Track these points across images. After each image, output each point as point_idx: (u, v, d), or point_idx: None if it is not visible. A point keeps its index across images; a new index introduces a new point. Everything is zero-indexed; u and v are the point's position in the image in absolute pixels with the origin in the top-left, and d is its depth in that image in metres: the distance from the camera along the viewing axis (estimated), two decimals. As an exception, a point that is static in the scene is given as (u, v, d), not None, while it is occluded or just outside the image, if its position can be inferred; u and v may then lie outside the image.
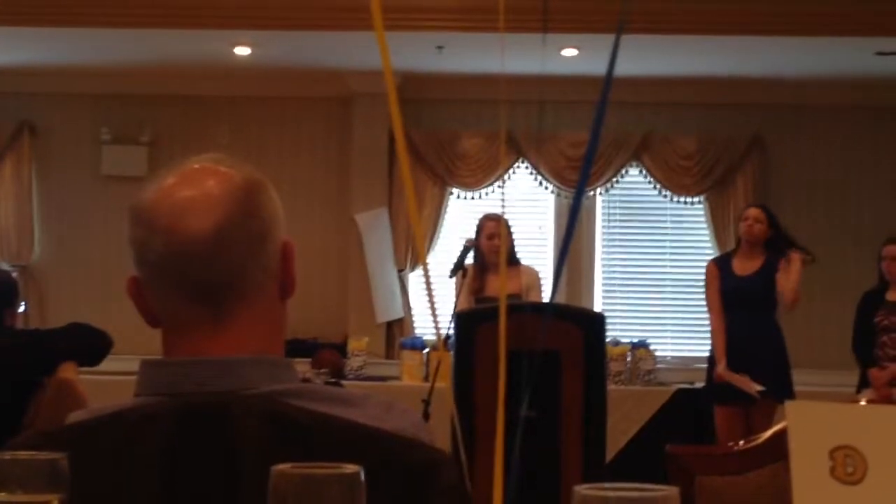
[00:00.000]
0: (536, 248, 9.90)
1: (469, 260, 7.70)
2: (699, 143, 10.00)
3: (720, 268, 7.72)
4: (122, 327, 5.80)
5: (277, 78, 9.94)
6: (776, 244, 7.62)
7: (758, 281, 7.53)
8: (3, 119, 10.21)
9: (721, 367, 7.47)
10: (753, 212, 7.70)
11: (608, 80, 1.18)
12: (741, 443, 2.72)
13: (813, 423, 1.12)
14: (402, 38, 8.18)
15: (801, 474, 1.14)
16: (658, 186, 10.06)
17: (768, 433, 2.63)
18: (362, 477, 1.07)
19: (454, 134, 10.05)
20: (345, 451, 1.28)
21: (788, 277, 7.46)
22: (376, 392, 1.80)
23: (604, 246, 10.26)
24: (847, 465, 1.12)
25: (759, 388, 7.30)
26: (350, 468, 1.07)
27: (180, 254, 1.57)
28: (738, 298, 7.54)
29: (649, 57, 8.81)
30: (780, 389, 7.32)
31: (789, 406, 1.15)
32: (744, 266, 7.62)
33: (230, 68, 9.72)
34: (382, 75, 1.22)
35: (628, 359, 8.76)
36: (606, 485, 0.97)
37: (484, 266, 7.79)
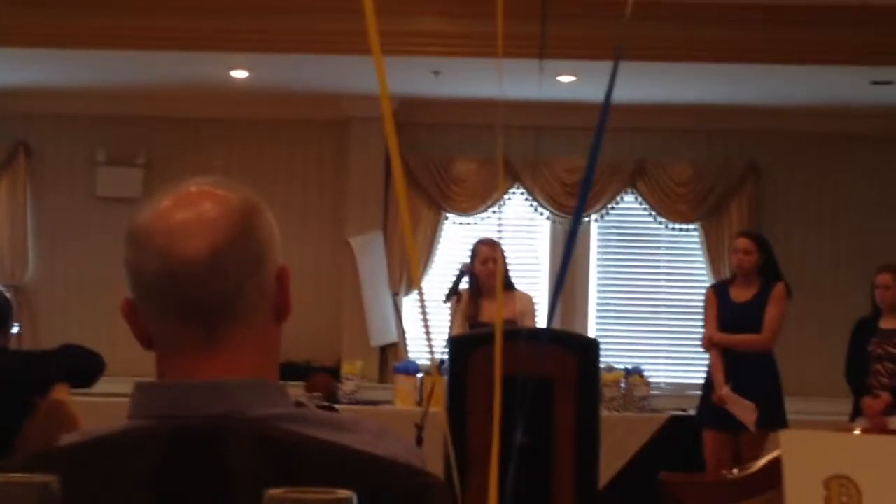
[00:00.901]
0: (531, 274, 9.90)
1: (464, 285, 7.70)
2: (694, 170, 10.02)
3: (718, 294, 7.79)
4: (116, 349, 5.80)
5: (274, 101, 9.95)
6: (769, 270, 7.66)
7: (752, 308, 7.58)
8: (-2, 140, 10.23)
9: (725, 390, 7.48)
10: (742, 243, 7.73)
11: (605, 107, 1.18)
12: (735, 471, 2.71)
13: (807, 452, 1.12)
14: (398, 63, 8.20)
15: (795, 503, 1.13)
16: (653, 213, 10.07)
17: (762, 462, 2.63)
18: (355, 502, 1.06)
19: (450, 158, 10.06)
20: (338, 477, 1.27)
21: (766, 320, 7.54)
22: (369, 417, 1.80)
23: (598, 272, 10.26)
24: (841, 494, 1.11)
25: (755, 417, 7.31)
26: (343, 493, 1.06)
27: (175, 275, 1.56)
28: (734, 325, 7.59)
29: (645, 84, 8.84)
30: (772, 418, 7.34)
31: (784, 435, 1.15)
32: (740, 293, 7.67)
33: (226, 91, 9.73)
34: (379, 100, 1.22)
35: (622, 385, 8.75)
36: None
37: (479, 291, 7.78)
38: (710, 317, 7.76)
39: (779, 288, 7.63)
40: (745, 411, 7.36)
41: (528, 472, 5.78)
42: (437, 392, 6.73)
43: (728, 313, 7.64)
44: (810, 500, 1.11)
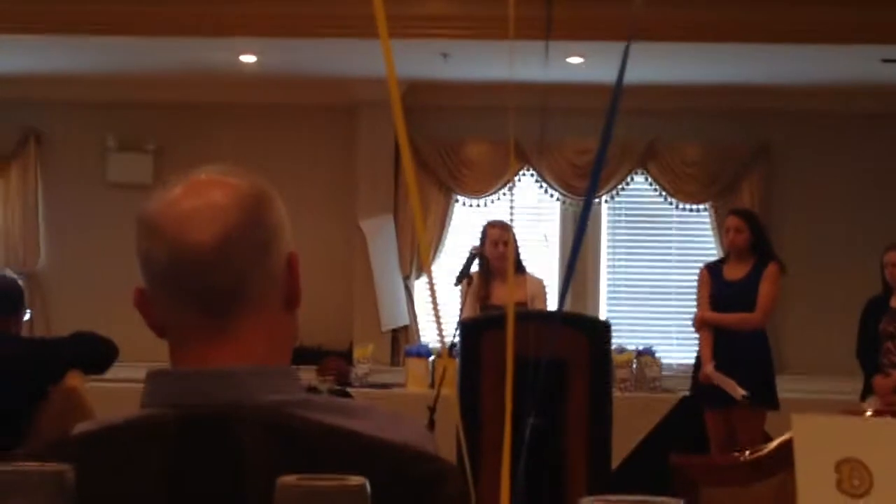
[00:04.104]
0: (542, 256, 9.90)
1: (474, 268, 7.70)
2: (705, 151, 10.00)
3: (711, 273, 7.81)
4: (128, 335, 5.80)
5: (283, 86, 9.94)
6: (763, 248, 7.69)
7: (744, 286, 7.61)
8: (9, 127, 10.23)
9: (709, 368, 7.52)
10: (733, 221, 7.75)
11: (618, 88, 1.18)
12: (747, 453, 2.72)
13: (819, 436, 1.12)
14: (407, 46, 8.19)
15: (806, 487, 1.13)
16: (664, 194, 10.06)
17: (773, 444, 2.63)
18: (368, 489, 1.07)
19: (459, 141, 10.05)
20: (350, 463, 1.28)
21: (759, 298, 7.56)
22: (381, 400, 1.80)
23: (609, 253, 10.26)
24: (853, 477, 1.11)
25: (743, 392, 7.32)
26: (355, 480, 1.06)
27: (185, 263, 1.57)
28: (726, 303, 7.63)
29: (655, 65, 8.81)
30: (763, 396, 7.38)
31: (795, 419, 1.15)
32: (733, 271, 7.71)
33: (235, 76, 9.73)
34: (388, 83, 1.22)
35: (634, 366, 8.75)
36: (611, 497, 0.97)
37: (489, 274, 7.78)
38: (702, 296, 7.79)
39: (772, 267, 7.65)
40: (729, 386, 7.39)
41: (541, 453, 5.79)
42: (448, 375, 6.75)
43: (721, 291, 7.67)
44: (822, 483, 1.12)
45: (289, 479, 1.05)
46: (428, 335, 9.90)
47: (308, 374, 8.32)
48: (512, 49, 7.94)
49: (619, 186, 10.05)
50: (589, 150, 9.88)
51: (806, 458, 1.12)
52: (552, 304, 7.95)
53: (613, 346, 7.17)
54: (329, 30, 8.36)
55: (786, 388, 8.04)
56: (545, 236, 10.19)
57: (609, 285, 10.26)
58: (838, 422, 1.15)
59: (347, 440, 1.51)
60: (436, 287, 1.85)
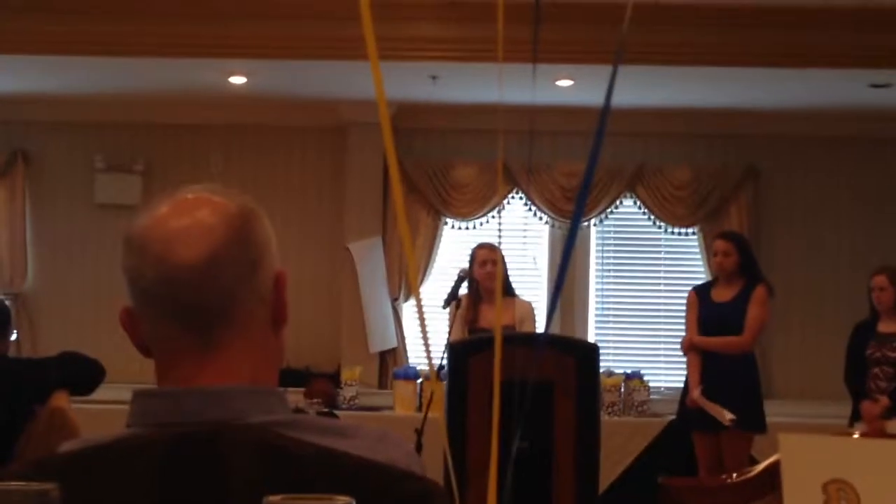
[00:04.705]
0: (529, 279, 9.90)
1: (463, 290, 7.70)
2: (693, 174, 10.02)
3: (700, 295, 7.80)
4: (115, 356, 5.80)
5: (272, 107, 9.95)
6: (751, 270, 7.69)
7: (733, 308, 7.60)
8: (-3, 147, 10.22)
9: (696, 393, 7.50)
10: (721, 245, 7.74)
11: (605, 111, 1.18)
12: (734, 475, 2.72)
13: (806, 456, 1.12)
14: (396, 68, 8.20)
15: (794, 507, 1.13)
16: (652, 217, 10.07)
17: (761, 466, 2.63)
18: (354, 508, 1.06)
19: (448, 164, 10.06)
20: (337, 483, 1.27)
21: (747, 321, 7.55)
22: (369, 422, 1.79)
23: (597, 276, 10.26)
24: (840, 498, 1.11)
25: (730, 416, 7.31)
26: (342, 500, 1.06)
27: (171, 280, 1.57)
28: (714, 325, 7.62)
29: (643, 88, 8.84)
30: (750, 419, 7.37)
31: (783, 439, 1.15)
32: (721, 293, 7.70)
33: (225, 97, 9.72)
34: (377, 105, 1.22)
35: (622, 389, 8.75)
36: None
37: (478, 296, 7.78)
38: (690, 319, 7.78)
39: (760, 289, 7.64)
40: (716, 411, 7.38)
41: (529, 477, 5.77)
42: (436, 397, 6.73)
43: (709, 314, 7.65)
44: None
45: (274, 498, 1.05)
46: (416, 358, 9.88)
47: (295, 397, 8.31)
48: (501, 72, 7.95)
49: (608, 210, 10.06)
50: (577, 173, 9.90)
51: (793, 478, 1.12)
52: (541, 327, 7.94)
53: (602, 370, 7.17)
54: (318, 51, 8.37)
55: (774, 411, 8.04)
56: (534, 259, 10.19)
57: (597, 308, 10.26)
58: (825, 442, 1.15)
59: (335, 460, 1.50)
60: (424, 310, 1.85)
